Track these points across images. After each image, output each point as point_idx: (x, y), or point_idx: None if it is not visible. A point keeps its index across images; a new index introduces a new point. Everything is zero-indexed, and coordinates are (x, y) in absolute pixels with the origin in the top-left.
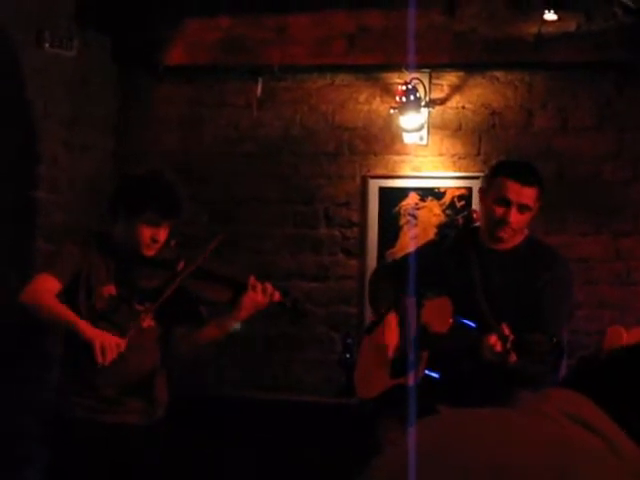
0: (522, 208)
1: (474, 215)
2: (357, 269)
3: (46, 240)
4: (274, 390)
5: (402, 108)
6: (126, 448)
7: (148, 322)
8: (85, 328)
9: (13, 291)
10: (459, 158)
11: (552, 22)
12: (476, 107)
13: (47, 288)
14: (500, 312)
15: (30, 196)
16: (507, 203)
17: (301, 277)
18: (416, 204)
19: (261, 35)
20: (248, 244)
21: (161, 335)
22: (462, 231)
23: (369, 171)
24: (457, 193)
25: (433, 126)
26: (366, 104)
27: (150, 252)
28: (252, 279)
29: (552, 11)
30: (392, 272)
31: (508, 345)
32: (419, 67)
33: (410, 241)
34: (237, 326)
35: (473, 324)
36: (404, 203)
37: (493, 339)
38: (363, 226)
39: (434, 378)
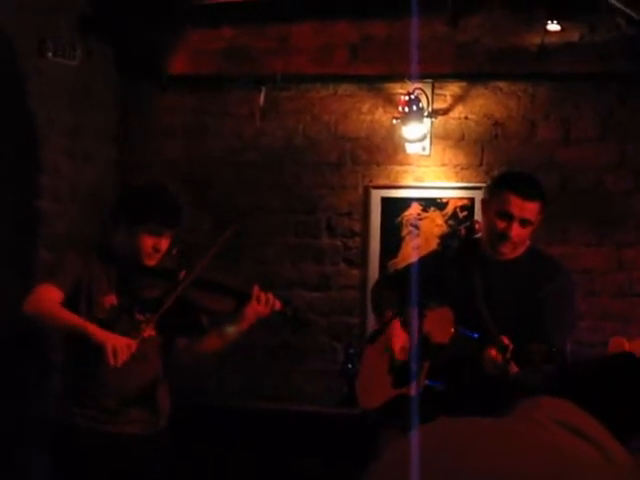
0: (524, 222)
1: (476, 226)
2: (359, 279)
3: (48, 249)
4: (275, 400)
5: (405, 118)
6: (128, 458)
7: (149, 332)
8: (95, 331)
9: (15, 300)
10: (461, 168)
11: (555, 33)
12: (479, 117)
13: (50, 297)
14: (502, 323)
15: (32, 205)
16: (509, 217)
17: (303, 287)
18: (418, 214)
19: (264, 45)
20: (250, 253)
21: (162, 345)
22: (464, 242)
23: (371, 181)
24: (459, 203)
25: (436, 136)
26: (369, 114)
27: (151, 261)
28: (256, 290)
29: (555, 22)
30: (395, 282)
31: (508, 355)
32: (422, 77)
33: (412, 251)
34: (238, 335)
35: (475, 335)
36: (406, 213)
37: (493, 351)
38: (365, 236)
39: (436, 388)
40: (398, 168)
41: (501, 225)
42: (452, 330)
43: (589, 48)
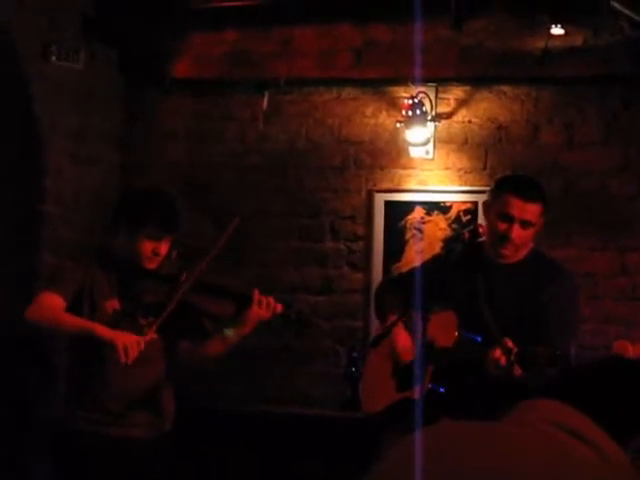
0: (525, 224)
1: (480, 229)
2: (362, 283)
3: (51, 252)
4: (278, 403)
5: (408, 122)
6: (132, 461)
7: (152, 336)
8: (103, 330)
9: (17, 303)
10: (465, 172)
11: (559, 36)
12: (482, 121)
13: (53, 304)
14: (506, 326)
15: (36, 209)
16: (510, 219)
17: (306, 290)
18: (422, 218)
19: (267, 48)
20: (253, 257)
21: (166, 348)
22: (468, 245)
23: (375, 185)
24: (463, 207)
25: (439, 140)
26: (372, 118)
27: (151, 265)
28: (257, 294)
29: (559, 25)
30: (398, 285)
31: (512, 357)
32: (425, 81)
33: (416, 255)
34: (239, 339)
35: (478, 338)
36: (410, 217)
37: (497, 353)
38: (369, 240)
39: (439, 392)
40: (402, 172)
41: (502, 227)
42: (456, 334)
43: (592, 52)
